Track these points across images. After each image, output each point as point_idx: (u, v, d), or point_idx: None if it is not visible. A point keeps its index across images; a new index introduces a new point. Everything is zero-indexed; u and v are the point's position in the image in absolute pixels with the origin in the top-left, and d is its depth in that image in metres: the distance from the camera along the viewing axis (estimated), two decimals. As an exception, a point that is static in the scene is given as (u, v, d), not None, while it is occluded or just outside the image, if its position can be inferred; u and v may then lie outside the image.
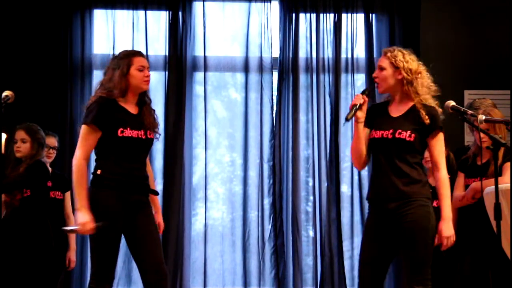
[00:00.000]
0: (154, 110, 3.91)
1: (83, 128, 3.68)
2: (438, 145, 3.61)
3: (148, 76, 3.81)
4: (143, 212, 3.75)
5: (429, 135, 3.60)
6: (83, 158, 3.67)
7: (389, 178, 3.60)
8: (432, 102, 3.65)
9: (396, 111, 3.70)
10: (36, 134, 4.74)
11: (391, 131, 3.62)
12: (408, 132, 3.59)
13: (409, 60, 3.65)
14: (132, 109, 3.79)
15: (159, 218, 4.02)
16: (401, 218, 3.55)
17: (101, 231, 3.58)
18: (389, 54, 3.68)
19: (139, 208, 3.73)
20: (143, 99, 3.85)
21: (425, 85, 3.66)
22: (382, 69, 3.69)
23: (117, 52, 5.84)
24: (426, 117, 3.58)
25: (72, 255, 5.08)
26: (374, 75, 3.74)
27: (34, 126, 4.78)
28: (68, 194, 5.12)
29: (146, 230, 3.73)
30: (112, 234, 3.65)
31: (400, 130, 3.60)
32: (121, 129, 3.68)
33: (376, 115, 3.76)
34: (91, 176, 3.76)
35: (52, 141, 5.09)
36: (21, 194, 4.58)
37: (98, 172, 3.69)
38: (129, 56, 3.80)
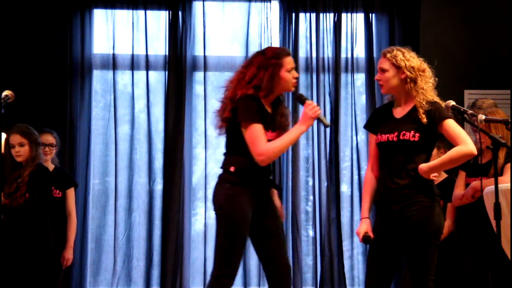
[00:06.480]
0: (287, 109, 3.90)
1: (255, 127, 3.61)
2: (451, 130, 3.57)
3: (297, 77, 3.77)
4: (270, 209, 3.76)
5: (437, 129, 3.60)
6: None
7: (394, 180, 3.60)
8: (436, 98, 3.66)
9: (400, 112, 3.70)
10: (31, 135, 4.72)
11: (395, 133, 3.62)
12: (412, 132, 3.59)
13: (409, 58, 3.65)
14: (268, 107, 3.77)
15: (282, 210, 3.98)
16: (405, 220, 3.55)
17: (236, 228, 3.60)
18: (388, 55, 3.67)
19: (266, 204, 3.74)
20: (278, 98, 3.83)
21: (429, 82, 3.67)
22: (383, 71, 3.68)
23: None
24: (424, 116, 3.58)
25: (68, 253, 5.00)
26: (376, 77, 3.73)
27: (25, 127, 4.74)
28: (69, 191, 5.08)
29: (273, 228, 3.75)
30: (246, 232, 3.65)
31: (404, 132, 3.60)
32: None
33: (380, 118, 3.75)
34: (221, 171, 3.77)
35: (49, 138, 5.05)
36: (24, 197, 4.57)
37: (232, 169, 3.68)
38: (279, 57, 3.72)
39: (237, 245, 3.62)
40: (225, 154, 3.81)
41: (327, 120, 3.86)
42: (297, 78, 3.78)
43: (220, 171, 3.83)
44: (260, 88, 3.67)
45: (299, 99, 3.81)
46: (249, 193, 3.66)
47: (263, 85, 3.66)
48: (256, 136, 3.60)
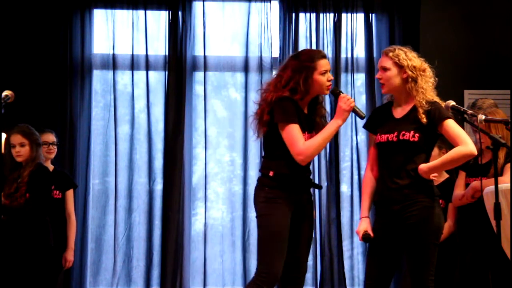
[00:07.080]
0: (325, 110, 3.93)
1: (293, 127, 3.65)
2: (450, 131, 3.57)
3: (331, 79, 3.79)
4: (306, 213, 3.81)
5: (436, 129, 3.60)
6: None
7: (394, 180, 3.60)
8: (436, 98, 3.66)
9: (400, 112, 3.70)
10: (32, 135, 4.72)
11: (395, 133, 3.62)
12: (412, 133, 3.59)
13: (411, 58, 3.66)
14: (305, 109, 3.81)
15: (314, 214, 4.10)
16: (405, 220, 3.56)
17: (276, 231, 3.66)
18: (391, 54, 3.67)
19: (303, 209, 3.78)
20: (316, 99, 3.86)
21: (430, 81, 3.67)
22: (385, 69, 3.68)
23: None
24: (423, 116, 3.58)
25: (69, 254, 5.03)
26: (377, 76, 3.73)
27: (27, 128, 4.74)
28: (69, 192, 5.09)
29: (305, 234, 3.80)
30: (285, 234, 3.69)
31: (403, 132, 3.60)
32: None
33: (380, 118, 3.75)
34: (260, 175, 3.81)
35: (51, 137, 5.07)
36: (24, 197, 4.57)
37: (271, 174, 3.72)
38: (313, 60, 3.74)
39: (277, 247, 3.67)
40: (263, 157, 3.85)
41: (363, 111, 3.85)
42: (330, 80, 3.79)
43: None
44: (297, 91, 3.71)
45: (333, 93, 3.84)
46: (288, 197, 3.71)
47: (299, 88, 3.70)
48: (294, 136, 3.65)
